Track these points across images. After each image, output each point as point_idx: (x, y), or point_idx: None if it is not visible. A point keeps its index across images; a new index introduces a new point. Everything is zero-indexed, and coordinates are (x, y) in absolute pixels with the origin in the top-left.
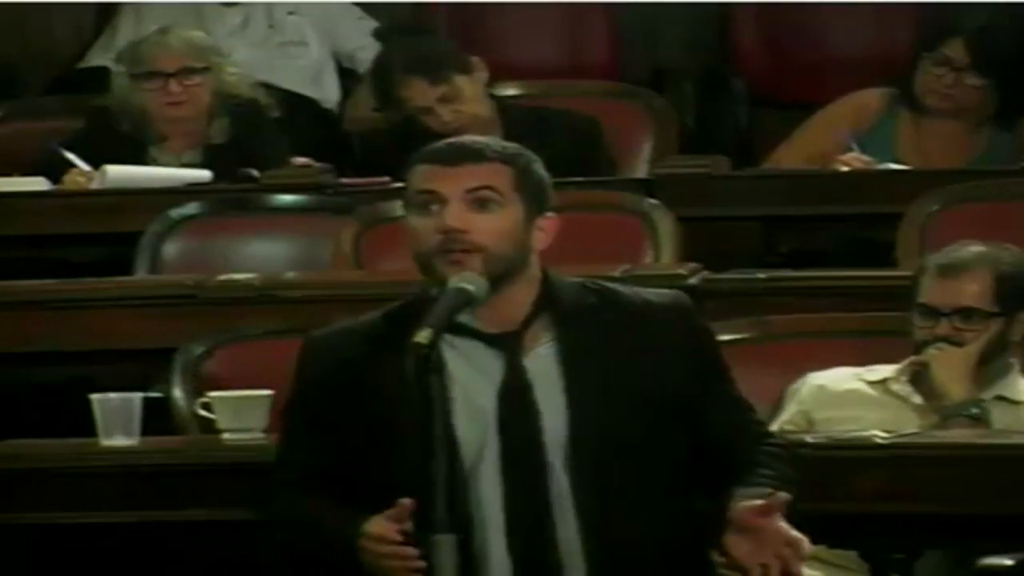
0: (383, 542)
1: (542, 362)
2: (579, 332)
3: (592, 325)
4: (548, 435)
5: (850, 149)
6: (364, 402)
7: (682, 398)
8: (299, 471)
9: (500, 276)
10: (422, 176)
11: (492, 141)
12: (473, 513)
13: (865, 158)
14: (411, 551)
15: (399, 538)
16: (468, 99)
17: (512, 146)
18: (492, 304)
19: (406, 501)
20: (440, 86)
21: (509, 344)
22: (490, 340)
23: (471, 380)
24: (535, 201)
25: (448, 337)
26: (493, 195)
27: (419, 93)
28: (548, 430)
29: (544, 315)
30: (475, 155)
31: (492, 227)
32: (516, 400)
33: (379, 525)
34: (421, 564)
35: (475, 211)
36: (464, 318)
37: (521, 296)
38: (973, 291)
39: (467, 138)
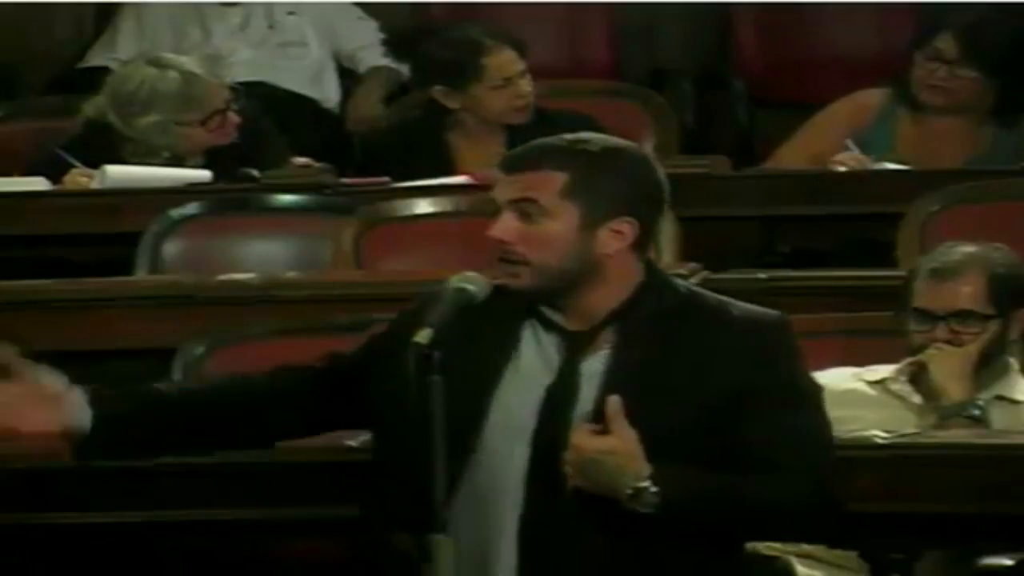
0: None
1: (597, 366)
2: (635, 340)
3: (651, 335)
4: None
5: (847, 149)
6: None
7: (718, 417)
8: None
9: (561, 286)
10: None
11: (566, 142)
12: (489, 503)
13: (860, 156)
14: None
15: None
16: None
17: (589, 146)
18: (574, 303)
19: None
20: (522, 60)
21: (577, 343)
22: (565, 336)
23: (532, 370)
24: (600, 205)
25: (535, 326)
26: (535, 207)
27: (508, 62)
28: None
29: (620, 320)
30: (528, 162)
31: (535, 239)
32: (556, 397)
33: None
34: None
35: (523, 222)
36: (550, 312)
37: (601, 299)
38: (967, 293)
39: (543, 141)
